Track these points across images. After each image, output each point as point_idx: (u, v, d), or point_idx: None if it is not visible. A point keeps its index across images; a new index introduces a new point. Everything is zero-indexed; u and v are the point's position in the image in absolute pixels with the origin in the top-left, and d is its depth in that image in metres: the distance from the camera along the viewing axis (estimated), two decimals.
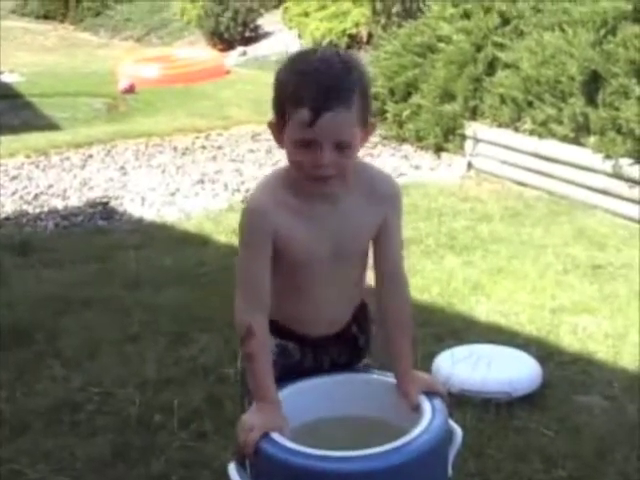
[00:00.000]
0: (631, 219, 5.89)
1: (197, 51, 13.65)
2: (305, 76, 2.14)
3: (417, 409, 2.31)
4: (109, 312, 4.64)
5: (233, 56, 13.50)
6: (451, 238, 5.71)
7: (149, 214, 6.49)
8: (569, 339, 4.22)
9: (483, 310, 4.59)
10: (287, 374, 2.37)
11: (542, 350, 4.07)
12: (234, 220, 6.03)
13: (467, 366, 3.76)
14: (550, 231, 5.83)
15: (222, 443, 3.39)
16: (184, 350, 4.20)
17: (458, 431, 2.34)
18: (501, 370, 3.76)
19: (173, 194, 6.92)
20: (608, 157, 5.98)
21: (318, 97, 2.10)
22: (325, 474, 2.10)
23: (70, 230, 6.26)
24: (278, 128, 2.23)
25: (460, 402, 3.45)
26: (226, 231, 5.77)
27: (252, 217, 2.29)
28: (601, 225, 5.91)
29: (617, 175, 5.95)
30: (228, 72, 12.27)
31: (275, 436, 2.19)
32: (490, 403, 3.59)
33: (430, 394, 2.36)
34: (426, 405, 2.30)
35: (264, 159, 7.72)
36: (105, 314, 4.61)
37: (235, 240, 5.59)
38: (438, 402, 2.33)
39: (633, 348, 4.11)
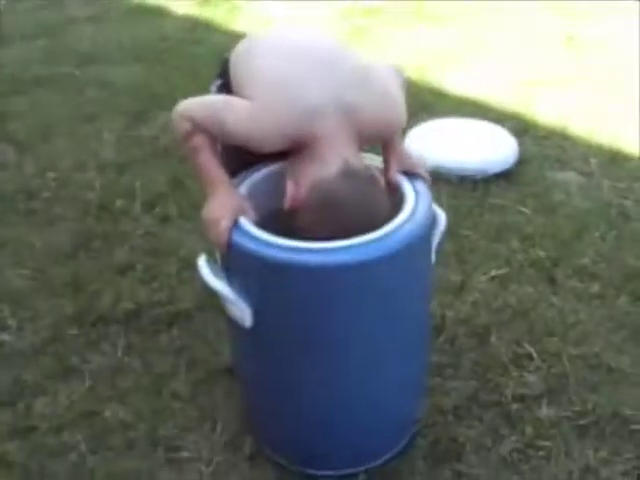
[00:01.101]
0: None
1: None
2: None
3: (395, 188, 2.18)
4: (62, 91, 4.40)
5: None
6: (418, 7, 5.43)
7: None
8: (545, 113, 4.05)
9: (454, 82, 4.39)
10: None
11: (517, 125, 3.91)
12: None
13: (442, 142, 3.60)
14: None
15: (187, 227, 3.27)
16: (144, 130, 4.00)
17: (442, 215, 2.22)
18: (477, 146, 3.61)
19: None
20: None
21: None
22: (305, 267, 1.97)
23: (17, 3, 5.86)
24: None
25: (434, 179, 3.28)
26: (185, 1, 5.43)
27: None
28: None
29: None
30: None
31: (244, 224, 2.06)
32: (465, 180, 3.47)
33: (411, 175, 2.22)
34: (407, 188, 2.16)
35: None
36: (58, 93, 4.36)
37: (196, 10, 5.42)
38: (420, 185, 2.19)
39: (610, 123, 3.96)
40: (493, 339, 2.73)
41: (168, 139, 3.86)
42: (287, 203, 2.07)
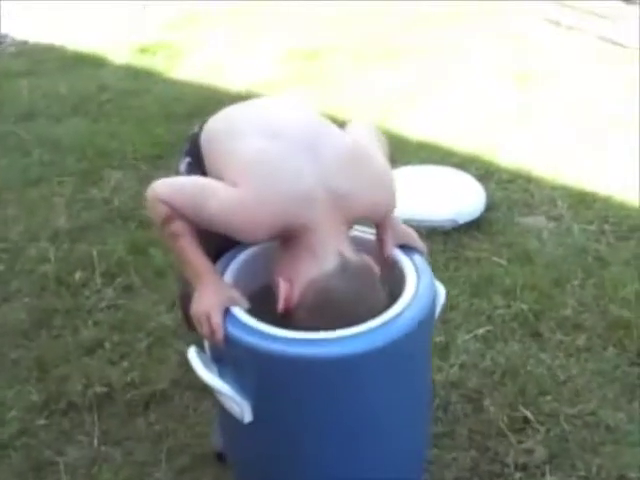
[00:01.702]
0: (553, 21, 5.60)
1: None
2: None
3: (390, 261, 2.09)
4: (4, 150, 4.20)
5: None
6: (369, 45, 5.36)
7: (34, 35, 5.85)
8: (507, 154, 4.01)
9: (412, 125, 4.31)
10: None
11: (481, 168, 3.86)
12: (130, 37, 5.61)
13: (409, 192, 3.49)
14: (471, 37, 5.51)
15: (153, 298, 3.13)
16: (95, 191, 3.83)
17: (441, 289, 2.12)
18: (445, 195, 3.53)
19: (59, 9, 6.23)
20: None
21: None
22: (304, 359, 1.85)
23: None
24: None
25: None
26: (123, 50, 5.27)
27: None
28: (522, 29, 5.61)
29: None
30: None
31: (237, 313, 1.93)
32: (435, 232, 3.38)
33: (407, 248, 2.11)
34: (406, 264, 2.06)
35: None
36: (0, 153, 4.16)
37: (135, 59, 5.27)
38: (419, 259, 2.09)
39: (570, 162, 3.92)
40: (487, 403, 2.64)
41: (121, 200, 3.71)
42: (281, 305, 1.93)
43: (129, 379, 2.76)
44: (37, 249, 3.40)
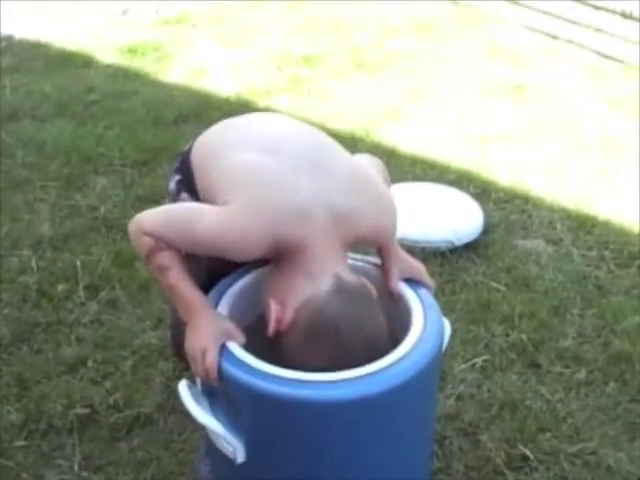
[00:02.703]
0: (548, 34, 5.50)
1: None
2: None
3: (396, 296, 2.00)
4: None
5: None
6: (355, 55, 5.24)
7: (20, 31, 5.65)
8: (503, 173, 3.91)
9: (404, 139, 4.21)
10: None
11: (478, 187, 3.75)
12: (119, 35, 5.48)
13: (403, 211, 3.37)
14: (461, 47, 5.40)
15: (138, 313, 3.01)
16: (80, 198, 3.69)
17: (447, 325, 2.02)
18: (442, 215, 3.43)
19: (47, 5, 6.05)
20: None
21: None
22: (303, 402, 1.75)
23: None
24: None
25: None
26: (111, 49, 5.14)
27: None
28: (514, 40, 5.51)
29: None
30: None
31: (233, 349, 1.83)
32: (430, 253, 3.28)
33: (413, 283, 2.01)
34: (413, 299, 1.96)
35: None
36: None
37: (123, 59, 5.13)
38: (426, 294, 1.99)
39: (569, 182, 3.84)
40: (484, 438, 2.54)
41: (106, 208, 3.59)
42: (271, 328, 1.83)
43: (112, 401, 2.64)
44: (19, 258, 3.27)
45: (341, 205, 1.87)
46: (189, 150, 2.11)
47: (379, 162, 2.16)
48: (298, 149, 1.95)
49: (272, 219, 1.81)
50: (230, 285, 2.01)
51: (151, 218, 1.90)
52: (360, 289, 1.85)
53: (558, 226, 3.53)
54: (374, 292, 1.90)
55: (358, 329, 1.78)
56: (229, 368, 1.79)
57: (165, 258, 1.87)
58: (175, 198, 2.12)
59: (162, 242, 1.86)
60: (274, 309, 1.83)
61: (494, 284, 3.16)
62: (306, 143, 2.01)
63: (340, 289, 1.80)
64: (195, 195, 2.04)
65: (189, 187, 2.07)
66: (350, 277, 1.84)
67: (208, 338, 1.82)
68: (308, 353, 1.78)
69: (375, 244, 2.05)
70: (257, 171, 1.89)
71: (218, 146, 2.04)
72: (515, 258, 3.32)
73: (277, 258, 1.88)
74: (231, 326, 1.87)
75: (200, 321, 1.85)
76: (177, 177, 2.14)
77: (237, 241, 1.82)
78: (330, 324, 1.77)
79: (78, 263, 3.22)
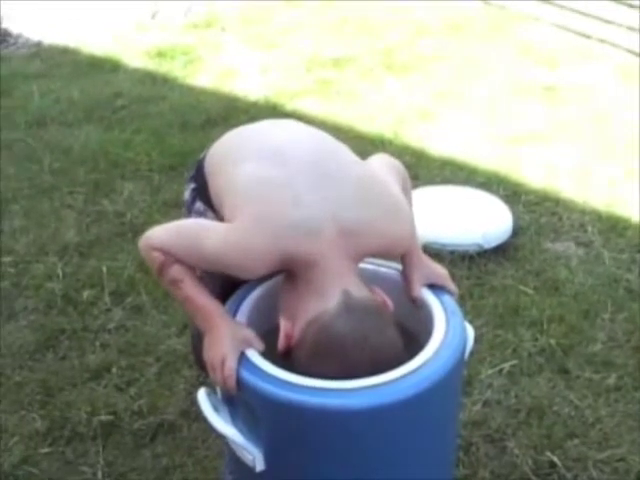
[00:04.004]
0: (581, 33, 5.43)
1: None
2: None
3: (418, 303, 1.97)
4: (14, 158, 4.07)
5: None
6: (385, 57, 5.21)
7: (49, 36, 5.67)
8: (533, 174, 3.86)
9: (433, 141, 4.17)
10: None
11: (508, 189, 3.70)
12: (148, 39, 5.48)
13: (431, 214, 3.36)
14: (493, 48, 5.34)
15: (163, 319, 3.01)
16: (107, 203, 3.69)
17: (470, 330, 1.98)
18: (470, 218, 3.39)
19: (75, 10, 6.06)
20: None
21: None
22: (324, 410, 1.72)
23: None
24: None
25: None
26: (139, 53, 5.14)
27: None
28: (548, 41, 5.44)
29: None
30: None
31: (252, 357, 1.80)
32: (458, 257, 3.24)
33: (436, 288, 1.98)
34: (435, 305, 1.93)
35: None
36: (9, 162, 4.03)
37: (151, 63, 5.13)
38: (449, 300, 1.96)
39: (600, 184, 3.78)
40: (511, 445, 2.50)
41: (133, 214, 3.58)
42: (280, 345, 1.80)
43: (136, 407, 2.64)
44: (45, 264, 3.27)
45: (350, 218, 1.83)
46: (203, 158, 2.10)
47: (397, 164, 2.10)
48: (307, 159, 1.92)
49: (278, 236, 1.78)
50: (249, 292, 1.99)
51: (160, 235, 1.89)
52: (368, 304, 1.80)
53: (589, 228, 3.48)
54: (389, 304, 1.86)
55: (364, 345, 1.74)
56: (247, 376, 1.77)
57: (177, 271, 1.85)
58: (190, 208, 2.11)
59: (172, 257, 1.84)
60: (283, 325, 1.81)
61: (523, 288, 3.11)
62: (315, 152, 1.97)
63: (347, 305, 1.76)
64: (209, 204, 2.03)
65: (203, 196, 2.06)
66: (360, 292, 1.80)
67: (226, 347, 1.79)
68: (315, 369, 1.75)
69: (392, 256, 2.01)
70: (263, 185, 1.86)
71: (227, 156, 2.02)
72: (545, 261, 3.28)
73: (288, 275, 1.86)
74: (250, 333, 1.84)
75: (218, 330, 1.83)
76: (192, 185, 2.13)
77: (242, 259, 1.80)
78: (336, 341, 1.74)
79: (104, 269, 3.22)
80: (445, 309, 1.92)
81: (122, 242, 3.41)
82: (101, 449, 2.51)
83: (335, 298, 1.76)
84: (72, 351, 2.87)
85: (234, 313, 1.92)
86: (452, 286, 2.02)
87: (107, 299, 3.09)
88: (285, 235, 1.78)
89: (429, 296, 1.97)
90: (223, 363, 1.78)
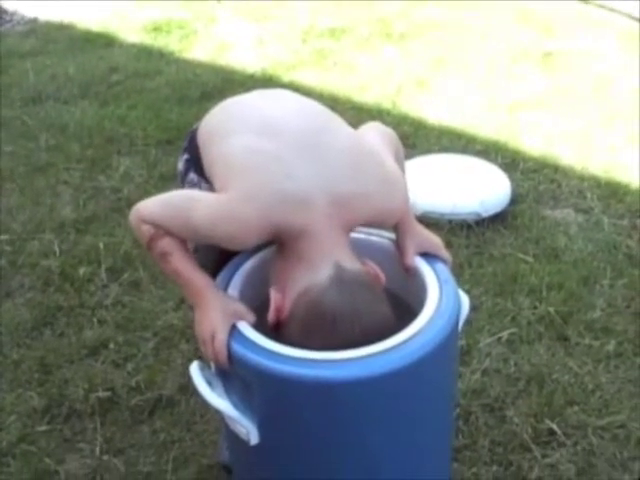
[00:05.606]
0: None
1: None
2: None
3: (412, 272, 1.94)
4: (10, 136, 4.05)
5: None
6: (383, 26, 5.16)
7: (45, 13, 5.65)
8: (531, 142, 3.83)
9: (431, 109, 4.14)
10: None
11: (506, 157, 3.67)
12: (143, 15, 5.45)
13: (429, 183, 3.34)
14: (491, 15, 5.29)
15: (160, 294, 2.99)
16: (103, 179, 3.68)
17: (465, 299, 1.96)
18: (468, 186, 3.36)
19: None
20: None
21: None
22: (316, 382, 1.70)
23: None
24: None
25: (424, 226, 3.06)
26: (135, 28, 5.09)
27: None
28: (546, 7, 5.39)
29: None
30: None
31: (243, 329, 1.78)
32: (457, 225, 3.22)
33: (430, 257, 1.96)
34: (428, 274, 1.90)
35: None
36: (5, 140, 4.01)
37: (147, 38, 5.10)
38: (443, 269, 1.93)
39: (600, 150, 3.75)
40: (510, 413, 2.49)
41: (130, 189, 3.57)
42: (270, 317, 1.78)
43: (134, 383, 2.63)
44: (41, 241, 3.26)
45: (342, 189, 1.81)
46: (196, 129, 2.07)
47: (390, 132, 2.08)
48: (298, 130, 1.89)
49: (268, 206, 1.75)
50: (240, 264, 1.97)
51: (149, 206, 1.86)
52: (360, 277, 1.78)
53: (588, 195, 3.45)
54: (381, 277, 1.84)
55: (356, 319, 1.72)
56: (239, 349, 1.75)
57: (166, 244, 1.82)
58: (183, 179, 2.08)
59: (162, 229, 1.82)
60: (274, 298, 1.78)
61: (522, 256, 3.09)
62: (307, 123, 1.94)
63: (339, 278, 1.74)
64: (203, 175, 2.00)
65: (197, 166, 2.03)
66: (351, 265, 1.78)
67: (217, 320, 1.78)
68: (306, 343, 1.73)
69: (385, 226, 1.98)
70: (253, 156, 1.83)
71: (218, 127, 1.99)
72: (544, 229, 3.25)
73: (280, 246, 1.84)
74: (240, 306, 1.82)
75: (208, 304, 1.81)
76: (185, 156, 2.10)
77: (232, 230, 1.77)
78: (327, 315, 1.72)
79: (101, 245, 3.21)
80: (438, 277, 1.90)
81: (119, 218, 3.39)
82: (99, 426, 2.51)
83: (326, 270, 1.74)
84: (69, 328, 2.86)
85: (225, 286, 1.91)
86: (446, 254, 2.00)
87: (104, 275, 3.08)
88: (276, 207, 1.75)
89: (422, 265, 1.95)
90: (213, 337, 1.76)
